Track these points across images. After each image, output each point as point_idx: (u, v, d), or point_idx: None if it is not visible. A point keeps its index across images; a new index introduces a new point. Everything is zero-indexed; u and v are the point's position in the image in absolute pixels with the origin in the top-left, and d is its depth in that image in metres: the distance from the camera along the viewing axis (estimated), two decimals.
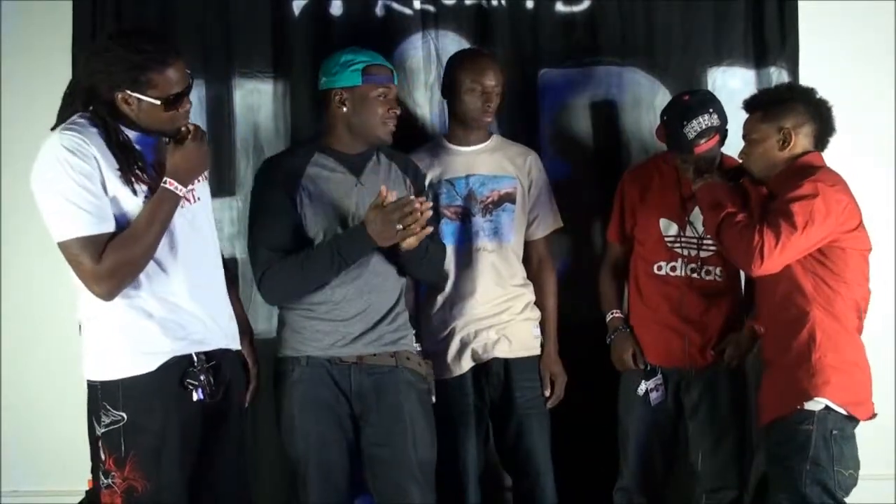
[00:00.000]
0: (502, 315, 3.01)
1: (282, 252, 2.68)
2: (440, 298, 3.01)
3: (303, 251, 2.67)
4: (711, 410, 2.99)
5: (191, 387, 2.39)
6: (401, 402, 2.71)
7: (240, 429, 2.59)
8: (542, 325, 3.09)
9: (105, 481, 2.37)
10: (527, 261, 3.11)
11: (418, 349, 2.93)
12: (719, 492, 3.01)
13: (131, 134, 2.37)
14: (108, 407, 2.35)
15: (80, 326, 3.09)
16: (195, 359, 2.40)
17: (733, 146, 3.20)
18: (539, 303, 3.09)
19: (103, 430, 2.36)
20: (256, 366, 2.70)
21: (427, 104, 3.35)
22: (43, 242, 3.33)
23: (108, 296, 2.30)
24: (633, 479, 3.06)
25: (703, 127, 2.87)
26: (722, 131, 2.94)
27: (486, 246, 3.01)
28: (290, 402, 2.71)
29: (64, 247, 2.28)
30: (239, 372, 2.59)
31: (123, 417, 2.34)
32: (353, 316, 2.70)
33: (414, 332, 2.87)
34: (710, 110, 2.89)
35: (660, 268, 3.02)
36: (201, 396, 2.40)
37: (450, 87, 3.02)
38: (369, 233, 2.59)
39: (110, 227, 2.28)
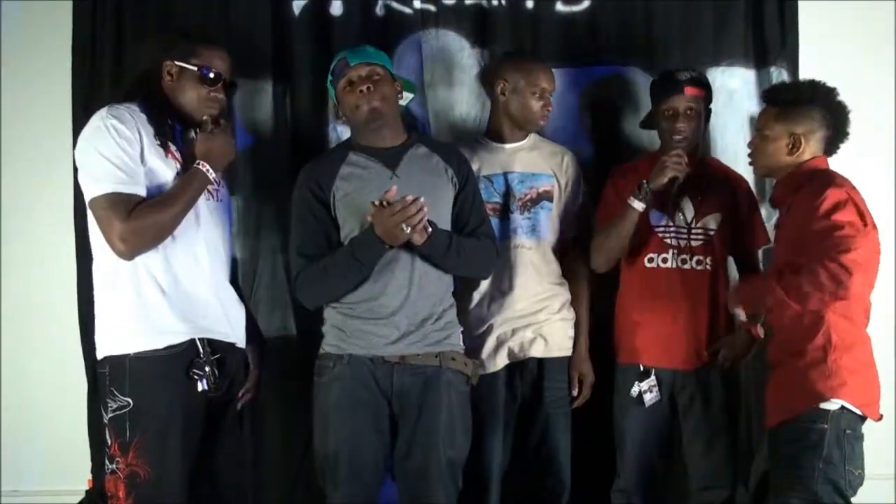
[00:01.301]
0: (539, 314, 3.01)
1: (313, 257, 2.69)
2: (476, 295, 3.01)
3: (328, 255, 2.68)
4: (704, 410, 2.99)
5: (196, 377, 2.43)
6: (440, 402, 2.69)
7: (238, 425, 2.64)
8: (575, 324, 3.10)
9: (110, 467, 2.43)
10: (562, 260, 3.12)
11: (462, 348, 2.88)
12: (712, 491, 3.00)
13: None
14: (115, 392, 2.41)
15: (80, 321, 3.15)
16: (201, 349, 2.45)
17: (731, 147, 3.23)
18: (572, 302, 3.11)
19: (110, 416, 2.42)
20: (258, 371, 2.73)
21: (427, 103, 3.34)
22: (43, 242, 3.39)
23: (129, 254, 2.40)
24: (630, 480, 3.06)
25: (694, 76, 3.02)
26: (707, 92, 3.03)
27: (524, 243, 3.02)
28: (326, 399, 2.70)
29: (95, 203, 2.39)
30: (241, 370, 2.63)
31: (129, 403, 2.39)
32: (392, 314, 2.68)
33: (461, 328, 2.85)
34: (701, 72, 3.09)
35: (651, 259, 3.02)
36: (205, 387, 2.44)
37: (506, 88, 3.02)
38: (377, 234, 2.59)
39: (141, 191, 2.41)
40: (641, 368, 3.02)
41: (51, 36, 3.36)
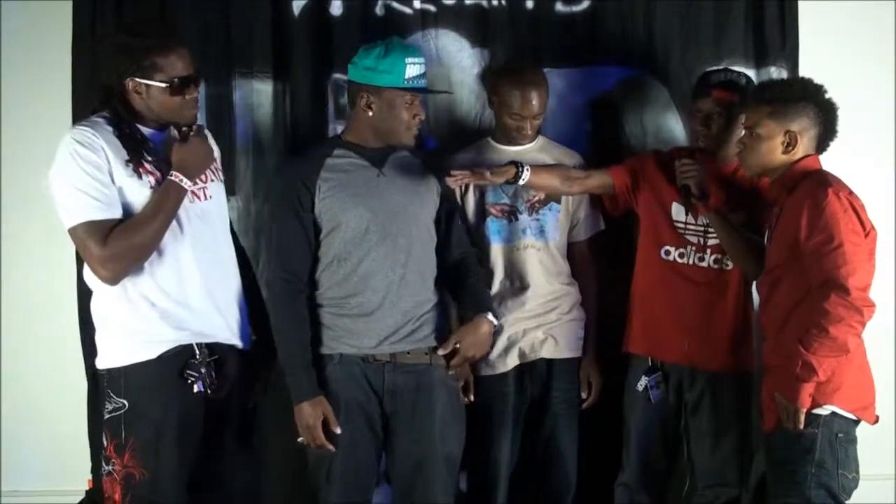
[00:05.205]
0: (550, 314, 3.04)
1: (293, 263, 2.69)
2: None
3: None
4: (713, 409, 2.98)
5: (191, 378, 2.44)
6: (433, 401, 2.71)
7: (245, 426, 2.63)
8: (584, 326, 3.12)
9: (106, 468, 2.45)
10: (570, 262, 3.13)
11: None
12: (717, 489, 3.00)
13: (146, 131, 2.48)
14: (111, 394, 2.44)
15: (80, 320, 3.15)
16: (197, 351, 2.45)
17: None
18: (581, 303, 3.12)
19: (106, 417, 2.44)
20: (267, 368, 2.73)
21: (427, 103, 3.33)
22: (43, 243, 3.39)
23: (112, 280, 2.39)
24: (634, 475, 3.06)
25: (730, 78, 2.99)
26: (742, 95, 2.93)
27: (532, 244, 3.04)
28: None
29: (73, 232, 2.38)
30: (246, 370, 2.62)
31: (125, 405, 2.41)
32: (378, 308, 2.67)
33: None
34: (741, 74, 3.04)
35: (668, 252, 3.01)
36: (202, 389, 2.45)
37: (495, 100, 3.06)
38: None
39: (117, 213, 2.38)
40: (650, 362, 3.02)
41: (51, 36, 3.36)
